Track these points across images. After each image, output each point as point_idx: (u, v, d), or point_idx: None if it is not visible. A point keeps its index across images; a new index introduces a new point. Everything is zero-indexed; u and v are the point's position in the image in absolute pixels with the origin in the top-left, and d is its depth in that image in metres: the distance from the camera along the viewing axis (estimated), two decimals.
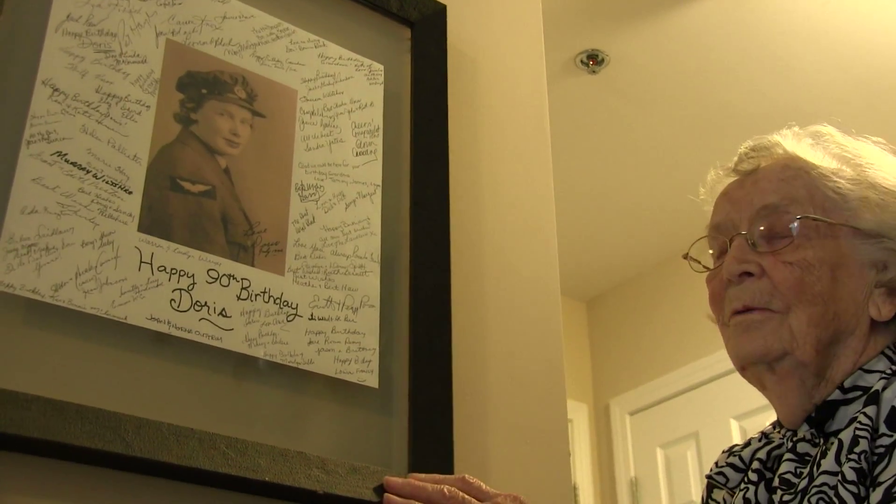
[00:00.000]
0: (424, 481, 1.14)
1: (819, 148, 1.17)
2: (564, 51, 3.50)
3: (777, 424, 1.16)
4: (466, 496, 1.11)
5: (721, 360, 4.13)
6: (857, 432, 0.99)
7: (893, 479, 0.94)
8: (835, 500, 0.98)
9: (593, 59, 3.52)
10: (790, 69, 3.52)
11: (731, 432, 4.10)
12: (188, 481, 1.04)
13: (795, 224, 1.10)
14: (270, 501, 1.09)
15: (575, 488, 4.53)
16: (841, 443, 1.01)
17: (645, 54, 3.53)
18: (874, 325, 1.09)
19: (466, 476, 1.14)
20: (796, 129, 1.20)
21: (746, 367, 1.13)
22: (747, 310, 1.11)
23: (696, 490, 4.14)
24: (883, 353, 1.08)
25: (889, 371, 1.05)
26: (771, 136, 1.20)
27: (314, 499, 1.10)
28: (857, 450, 0.98)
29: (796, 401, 1.09)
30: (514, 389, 1.40)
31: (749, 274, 1.11)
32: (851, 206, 1.11)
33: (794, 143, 1.18)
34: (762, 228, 1.12)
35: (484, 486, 1.14)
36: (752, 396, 4.21)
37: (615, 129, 3.90)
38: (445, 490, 1.11)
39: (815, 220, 1.10)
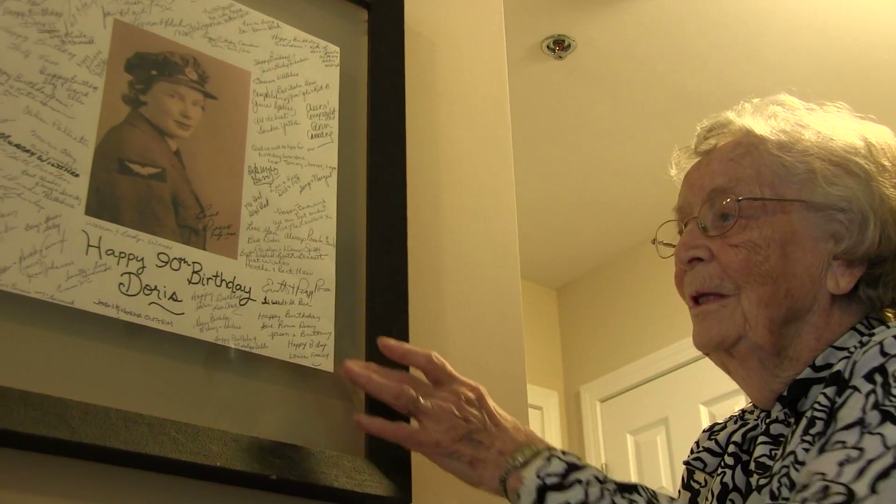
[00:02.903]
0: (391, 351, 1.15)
1: (773, 119, 1.15)
2: (530, 36, 3.49)
3: (755, 406, 1.16)
4: (425, 378, 1.13)
5: (690, 346, 4.12)
6: (815, 413, 0.99)
7: (828, 438, 0.94)
8: (786, 480, 0.97)
9: (559, 45, 3.51)
10: (757, 54, 3.53)
11: (700, 418, 4.12)
12: (137, 467, 1.02)
13: (740, 204, 1.09)
14: (222, 487, 1.07)
15: None
16: (807, 421, 1.00)
17: (612, 40, 3.53)
18: (837, 299, 1.08)
19: (434, 354, 1.14)
20: (756, 100, 1.19)
21: (709, 353, 1.14)
22: (700, 295, 1.11)
23: (666, 475, 4.16)
24: (855, 328, 1.07)
25: (853, 348, 1.04)
26: (727, 113, 1.19)
27: (268, 484, 1.08)
28: (812, 431, 0.98)
29: (760, 381, 1.09)
30: (474, 374, 1.39)
31: (699, 259, 1.11)
32: (800, 180, 1.10)
33: (749, 117, 1.17)
34: (712, 211, 1.12)
35: (448, 368, 1.13)
36: (721, 382, 4.23)
37: (582, 115, 3.90)
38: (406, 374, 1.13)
39: (758, 199, 1.09)
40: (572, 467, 0.98)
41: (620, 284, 4.75)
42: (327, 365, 1.21)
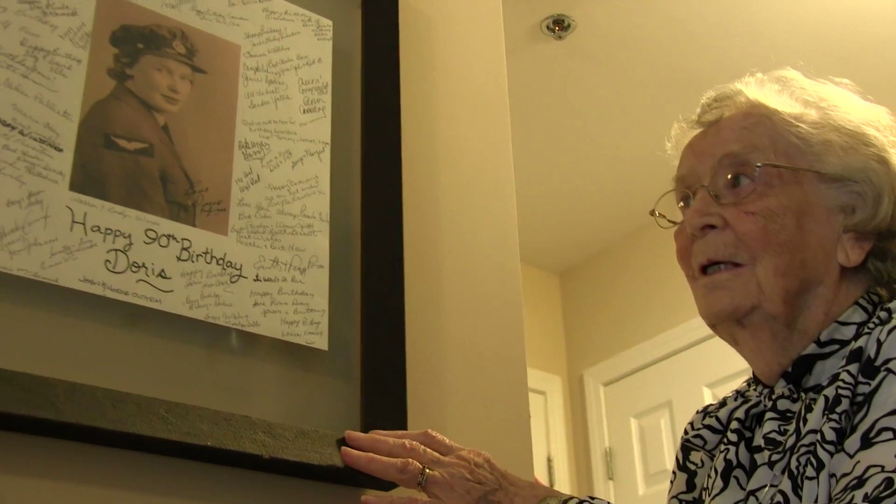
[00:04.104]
0: (386, 436, 1.11)
1: (783, 93, 1.13)
2: (529, 16, 3.44)
3: (754, 381, 1.14)
4: (428, 449, 1.08)
5: (693, 328, 4.18)
6: (840, 391, 0.96)
7: (871, 424, 0.91)
8: (813, 459, 0.95)
9: (559, 25, 3.46)
10: (759, 34, 3.49)
11: (703, 401, 4.03)
12: (125, 448, 0.99)
13: (757, 172, 1.07)
14: (214, 467, 1.05)
15: (549, 460, 4.52)
16: (827, 400, 0.98)
17: (612, 19, 3.48)
18: (844, 272, 1.06)
19: (430, 430, 1.12)
20: (760, 74, 1.17)
21: (717, 324, 1.10)
22: (712, 263, 1.08)
23: (670, 458, 4.11)
24: (857, 303, 1.05)
25: (871, 323, 1.02)
26: (733, 84, 1.17)
27: (259, 463, 1.06)
28: (838, 409, 0.95)
29: (771, 354, 1.06)
30: (472, 353, 1.37)
31: (712, 227, 1.08)
32: (815, 151, 1.08)
33: (756, 89, 1.14)
34: (724, 179, 1.09)
35: (447, 441, 1.11)
36: (724, 364, 4.20)
37: (583, 97, 3.85)
38: (406, 443, 1.08)
39: (776, 167, 1.07)
40: None
41: (623, 268, 4.72)
42: (321, 343, 1.19)
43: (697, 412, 1.24)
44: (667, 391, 4.31)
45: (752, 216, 1.05)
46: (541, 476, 4.41)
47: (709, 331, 3.85)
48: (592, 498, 1.00)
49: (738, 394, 1.16)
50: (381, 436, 1.11)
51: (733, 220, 1.06)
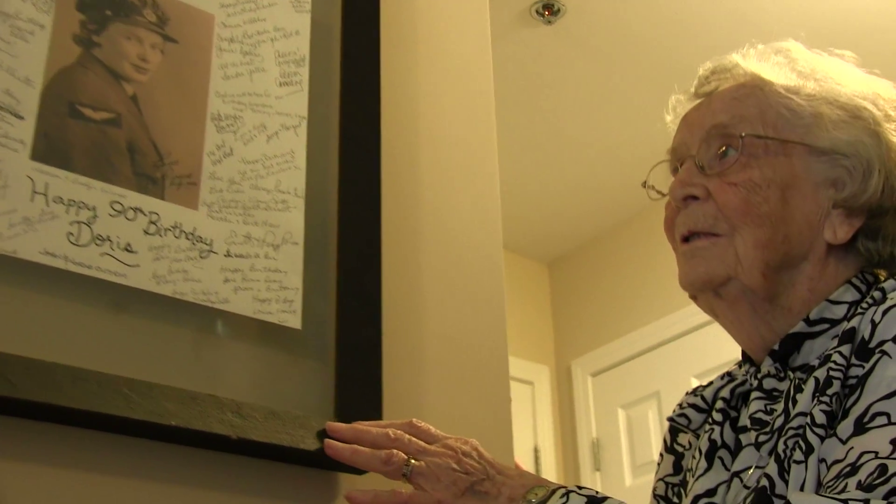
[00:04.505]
0: (369, 426, 1.07)
1: (781, 65, 1.10)
2: (518, 0, 3.41)
3: (743, 362, 1.11)
4: (413, 438, 1.04)
5: (681, 319, 4.16)
6: (831, 373, 0.93)
7: (865, 409, 0.88)
8: (801, 443, 0.91)
9: (549, 9, 3.41)
10: (752, 22, 3.45)
11: None
12: (85, 426, 0.96)
13: (743, 142, 1.04)
14: (179, 448, 1.01)
15: (536, 450, 4.49)
16: (817, 381, 0.94)
17: (603, 4, 3.44)
18: (832, 249, 1.03)
19: (414, 420, 1.07)
20: (759, 46, 1.14)
21: (695, 294, 1.07)
22: (692, 234, 1.05)
23: (658, 449, 4.07)
24: (850, 282, 1.02)
25: (865, 303, 0.98)
26: (730, 56, 1.14)
27: (227, 445, 1.02)
28: (829, 392, 0.92)
29: (751, 328, 1.04)
30: (452, 336, 1.33)
31: (694, 197, 1.05)
32: (805, 123, 1.04)
33: (754, 61, 1.12)
34: (712, 150, 1.06)
35: (433, 430, 1.06)
36: (713, 354, 4.17)
37: (573, 83, 3.81)
38: (391, 433, 1.03)
39: (762, 137, 1.04)
40: (592, 500, 0.93)
41: (612, 259, 4.69)
42: (294, 321, 1.15)
43: (687, 393, 1.21)
44: (655, 382, 4.28)
45: (733, 187, 1.02)
46: (527, 466, 4.39)
47: (697, 321, 3.86)
48: (580, 487, 0.96)
49: (726, 374, 1.13)
50: (363, 426, 1.07)
51: (715, 191, 1.04)
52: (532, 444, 4.48)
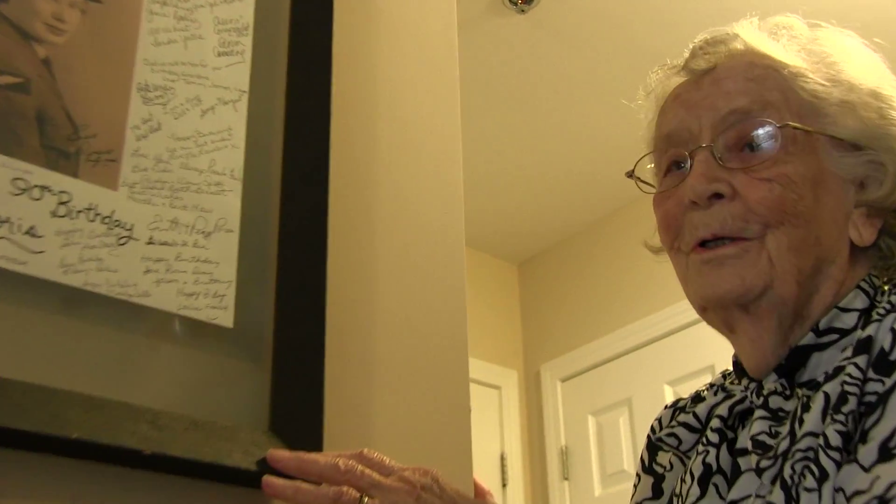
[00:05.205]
0: (316, 457, 0.92)
1: (790, 43, 0.98)
2: None
3: (736, 373, 0.99)
4: (366, 470, 0.89)
5: (655, 323, 4.05)
6: (846, 387, 0.81)
7: (891, 432, 0.76)
8: (814, 468, 0.79)
9: None
10: (735, 11, 3.33)
11: (664, 399, 3.93)
12: None
13: (775, 133, 0.91)
14: (82, 464, 0.87)
15: (503, 458, 4.37)
16: (827, 398, 0.83)
17: None
18: (854, 252, 0.93)
19: (365, 451, 0.92)
20: (755, 20, 1.02)
21: (713, 308, 0.95)
22: (716, 238, 0.92)
23: (629, 458, 4.01)
24: (859, 286, 0.91)
25: (881, 310, 0.88)
26: (728, 28, 1.02)
27: (140, 460, 0.88)
28: (844, 409, 0.80)
29: (771, 345, 0.92)
30: (406, 336, 1.20)
31: (719, 195, 0.92)
32: (830, 112, 0.93)
33: (757, 36, 0.99)
34: (729, 139, 0.93)
35: (387, 460, 0.92)
36: (686, 361, 4.06)
37: (546, 75, 3.68)
38: (341, 464, 0.89)
39: (795, 128, 0.92)
40: None
41: (584, 260, 4.56)
42: (225, 318, 1.02)
43: (666, 407, 1.09)
44: (626, 388, 4.17)
45: (766, 183, 0.90)
46: (493, 474, 4.28)
47: (671, 327, 3.70)
48: None
49: (718, 388, 1.00)
50: (309, 456, 0.92)
51: (744, 188, 0.91)
52: (498, 451, 4.36)
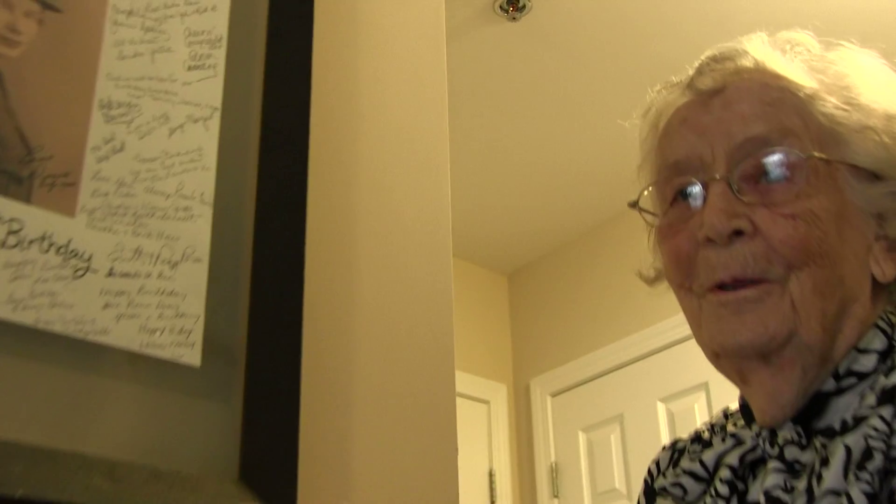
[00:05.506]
0: None
1: (804, 62, 0.91)
2: None
3: (745, 416, 0.92)
4: None
5: (648, 338, 4.00)
6: (871, 442, 0.74)
7: None
8: None
9: (513, 5, 3.24)
10: (732, 18, 3.30)
11: (657, 415, 3.92)
12: None
13: (799, 164, 0.84)
14: None
15: (491, 473, 4.31)
16: (849, 452, 0.75)
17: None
18: (875, 289, 0.87)
19: None
20: (764, 35, 0.95)
21: (728, 356, 0.87)
22: (736, 282, 0.85)
23: (620, 476, 3.96)
24: (876, 325, 0.84)
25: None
26: (736, 44, 0.94)
27: None
28: (869, 466, 0.73)
29: (792, 397, 0.85)
30: (390, 346, 1.13)
31: (739, 232, 0.85)
32: (850, 139, 0.86)
33: (768, 52, 0.92)
34: (747, 169, 0.86)
35: None
36: (679, 377, 4.00)
37: (538, 83, 3.63)
38: None
39: (819, 159, 0.85)
40: None
41: (576, 271, 4.49)
42: (192, 357, 0.94)
43: (664, 449, 1.02)
44: (618, 404, 4.11)
45: (790, 220, 0.83)
46: (481, 492, 4.21)
47: (665, 342, 3.61)
48: None
49: (726, 434, 0.93)
50: None
51: (766, 225, 0.84)
52: (487, 468, 4.31)
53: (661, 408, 3.88)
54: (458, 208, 1.34)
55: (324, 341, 1.06)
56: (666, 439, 3.82)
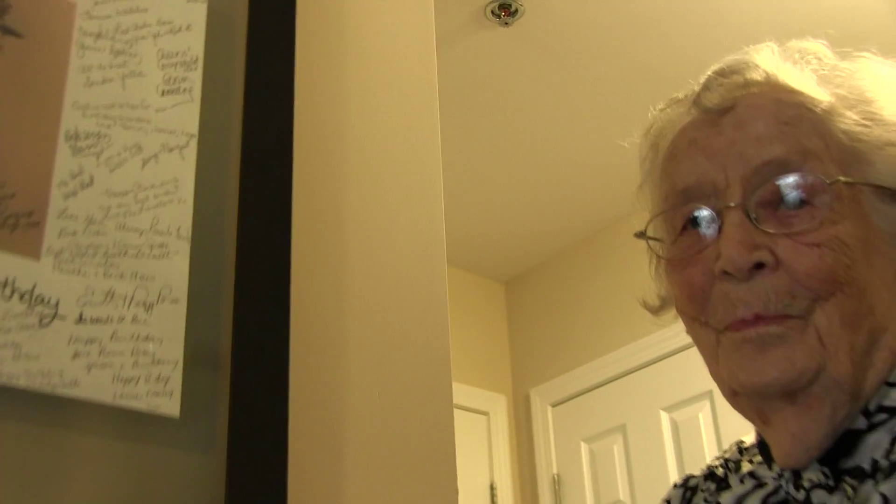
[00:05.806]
0: None
1: (818, 75, 0.85)
2: (473, 0, 3.19)
3: (764, 454, 0.86)
4: None
5: (650, 346, 3.94)
6: None
7: None
8: None
9: (506, 10, 3.19)
10: (727, 22, 3.26)
11: (660, 425, 3.87)
12: None
13: (823, 189, 0.78)
14: None
15: (492, 487, 4.26)
16: (886, 501, 0.70)
17: (564, 4, 3.21)
18: None
19: None
20: (774, 46, 0.88)
21: (749, 395, 0.81)
22: (757, 318, 0.79)
23: (623, 487, 3.92)
24: None
25: None
26: (744, 56, 0.88)
27: None
28: None
29: (819, 437, 0.79)
30: (384, 358, 1.08)
31: (760, 265, 0.79)
32: (872, 158, 0.80)
33: (779, 65, 0.86)
34: (765, 195, 0.80)
35: None
36: (683, 386, 3.93)
37: (531, 90, 3.59)
38: None
39: (849, 183, 0.79)
40: None
41: (575, 278, 4.43)
42: (170, 407, 0.88)
43: (675, 486, 0.97)
44: (620, 414, 4.06)
45: (815, 249, 0.77)
46: None
47: (667, 349, 3.53)
48: None
49: (746, 474, 0.87)
50: None
51: (788, 257, 0.78)
52: (488, 481, 4.26)
53: (664, 417, 3.84)
54: (451, 216, 1.30)
55: (314, 371, 1.00)
56: (670, 450, 3.78)
